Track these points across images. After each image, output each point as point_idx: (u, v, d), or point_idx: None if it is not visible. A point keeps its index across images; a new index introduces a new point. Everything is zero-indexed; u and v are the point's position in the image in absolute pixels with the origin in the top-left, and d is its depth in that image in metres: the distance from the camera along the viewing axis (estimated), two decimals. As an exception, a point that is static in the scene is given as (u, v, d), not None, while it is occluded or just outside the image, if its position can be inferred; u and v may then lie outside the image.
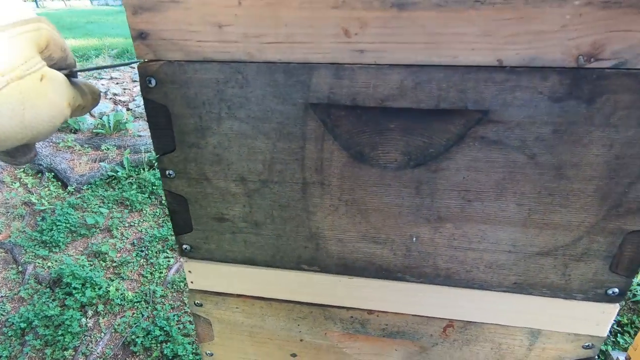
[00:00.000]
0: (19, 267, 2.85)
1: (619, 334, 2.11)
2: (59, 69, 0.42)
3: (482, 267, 0.49)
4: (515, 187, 0.44)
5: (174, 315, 2.45)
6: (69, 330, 2.41)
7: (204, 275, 0.58)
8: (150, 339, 2.30)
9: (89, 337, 2.39)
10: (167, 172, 0.50)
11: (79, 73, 0.46)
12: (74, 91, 0.43)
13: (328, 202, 0.49)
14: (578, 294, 0.49)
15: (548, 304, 0.50)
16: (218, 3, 0.39)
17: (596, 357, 0.53)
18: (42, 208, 3.19)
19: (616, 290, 0.47)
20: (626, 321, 2.15)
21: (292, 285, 0.56)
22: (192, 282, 0.59)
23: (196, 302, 0.59)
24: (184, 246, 0.56)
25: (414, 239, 0.49)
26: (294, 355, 0.62)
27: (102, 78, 4.22)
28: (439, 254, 0.50)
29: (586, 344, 0.52)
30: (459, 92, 0.40)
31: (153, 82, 0.45)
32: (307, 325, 0.58)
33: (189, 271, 0.58)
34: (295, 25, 0.39)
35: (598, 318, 0.50)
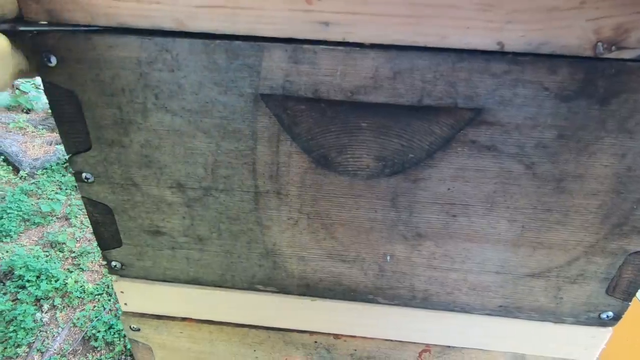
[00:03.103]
0: (-35, 259, 2.62)
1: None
2: None
3: (465, 289, 0.43)
4: (508, 201, 0.37)
5: (139, 308, 2.33)
6: (22, 326, 2.24)
7: (140, 296, 0.48)
8: (112, 332, 2.18)
9: (45, 333, 2.24)
10: (83, 175, 0.40)
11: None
12: (18, 57, 0.31)
13: (286, 215, 0.40)
14: (569, 317, 0.43)
15: (535, 328, 0.44)
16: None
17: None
18: (-9, 195, 2.92)
19: (610, 314, 0.42)
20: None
21: (246, 307, 0.47)
22: (125, 304, 0.49)
23: (132, 326, 0.50)
24: (113, 263, 0.46)
25: (388, 257, 0.42)
26: (250, 380, 0.54)
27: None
28: (416, 274, 0.42)
29: (572, 369, 0.47)
30: (448, 85, 0.31)
31: (53, 60, 0.34)
32: (264, 351, 0.50)
33: (121, 291, 0.48)
34: (237, -12, 0.29)
35: (587, 343, 0.45)
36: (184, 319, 0.49)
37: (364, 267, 0.43)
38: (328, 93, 0.33)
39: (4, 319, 2.19)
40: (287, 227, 0.41)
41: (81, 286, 2.43)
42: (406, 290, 0.44)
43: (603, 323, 0.43)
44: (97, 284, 2.50)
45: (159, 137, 0.37)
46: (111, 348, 2.18)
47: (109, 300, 2.43)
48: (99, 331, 2.31)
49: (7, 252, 2.60)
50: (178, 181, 0.39)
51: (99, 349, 2.17)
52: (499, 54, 0.30)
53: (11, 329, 2.20)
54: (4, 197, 2.95)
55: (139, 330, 0.50)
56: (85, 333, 2.23)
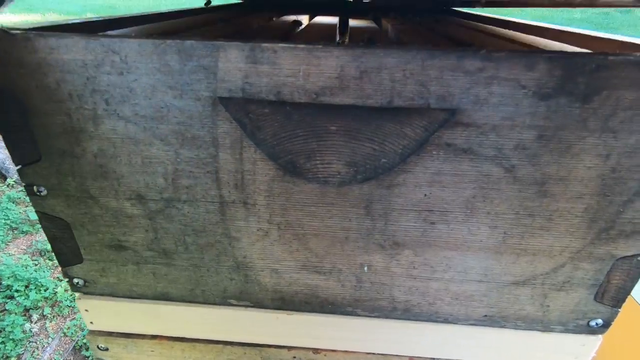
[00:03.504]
0: (-50, 270, 2.56)
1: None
2: None
3: (448, 299, 0.40)
4: (488, 206, 0.34)
5: (130, 316, 2.29)
6: (11, 337, 2.19)
7: (106, 314, 0.45)
8: (104, 342, 2.13)
9: (34, 343, 2.19)
10: (35, 188, 0.37)
11: None
12: None
13: (255, 226, 0.38)
14: (557, 325, 0.41)
15: (522, 338, 0.42)
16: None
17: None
18: (-23, 203, 2.86)
19: (600, 321, 0.40)
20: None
21: (220, 323, 0.45)
22: (91, 323, 0.46)
23: (100, 346, 0.47)
24: (75, 280, 0.43)
25: (366, 268, 0.39)
26: (229, 397, 0.52)
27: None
28: (396, 284, 0.40)
29: (562, 378, 0.45)
30: (419, 84, 0.29)
31: (-9, 64, 0.31)
32: (241, 367, 0.48)
33: (86, 310, 0.45)
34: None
35: (577, 351, 0.43)
36: (154, 337, 0.47)
37: (340, 279, 0.40)
38: (292, 95, 0.30)
39: (-9, 331, 2.14)
40: (257, 238, 0.38)
41: (71, 295, 2.39)
42: (386, 302, 0.41)
43: (592, 331, 0.41)
44: (88, 293, 2.45)
45: (114, 145, 0.34)
46: (102, 358, 2.13)
47: (100, 308, 2.38)
48: (89, 340, 2.25)
49: (-6, 262, 2.55)
50: (137, 192, 0.37)
51: (90, 358, 2.13)
52: (472, 50, 0.28)
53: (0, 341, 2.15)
54: (-10, 206, 2.89)
55: (107, 349, 0.47)
56: (77, 342, 2.19)
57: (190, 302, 0.44)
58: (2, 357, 2.07)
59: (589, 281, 0.38)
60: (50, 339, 2.21)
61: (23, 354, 2.11)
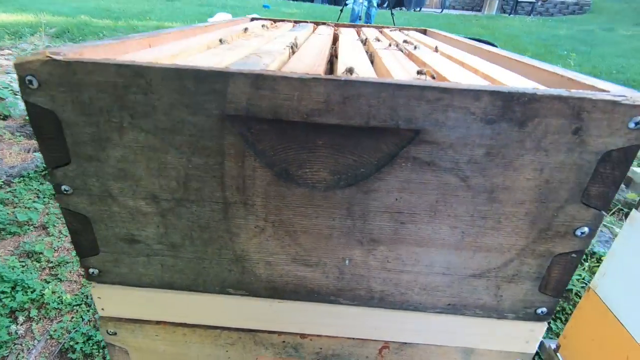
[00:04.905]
0: None
1: (551, 321, 2.28)
2: None
3: (417, 289, 0.47)
4: (448, 209, 0.41)
5: (118, 319, 2.30)
6: (-4, 339, 2.18)
7: (116, 301, 0.51)
8: (91, 344, 2.14)
9: (20, 346, 2.17)
10: (62, 187, 0.43)
11: None
12: None
13: (253, 224, 0.44)
14: (509, 313, 0.48)
15: (481, 324, 0.49)
16: None
17: None
18: (-36, 203, 2.84)
19: (544, 309, 0.47)
20: (558, 308, 2.32)
21: (218, 310, 0.50)
22: (102, 309, 0.51)
23: (109, 330, 0.52)
24: (91, 270, 0.49)
25: (347, 261, 0.46)
26: (224, 381, 0.57)
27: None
28: (372, 276, 0.47)
29: (516, 361, 0.52)
30: (390, 109, 0.36)
31: (35, 83, 0.37)
32: (236, 351, 0.54)
33: (99, 297, 0.51)
34: None
35: (527, 336, 0.50)
36: (158, 322, 0.52)
37: (325, 271, 0.47)
38: (287, 115, 0.37)
39: (-24, 332, 2.13)
40: (254, 234, 0.45)
41: (59, 297, 2.38)
42: (364, 292, 0.48)
43: (539, 318, 0.48)
44: (76, 295, 2.45)
45: (134, 152, 0.40)
46: (90, 360, 2.14)
47: (88, 311, 2.39)
48: (77, 342, 2.27)
49: (-20, 263, 2.53)
50: (152, 193, 0.43)
51: (76, 360, 2.13)
52: (433, 83, 0.35)
53: (-16, 343, 2.13)
54: (-23, 206, 2.87)
55: (115, 334, 0.53)
56: (63, 345, 2.19)
57: (192, 290, 0.49)
58: (-14, 358, 2.06)
59: (533, 274, 0.45)
60: (36, 341, 2.20)
61: (8, 356, 2.10)
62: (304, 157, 0.40)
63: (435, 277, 0.46)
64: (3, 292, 2.42)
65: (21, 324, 2.40)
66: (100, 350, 2.26)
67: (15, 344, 2.30)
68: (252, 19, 1.11)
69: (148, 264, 0.48)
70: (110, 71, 0.36)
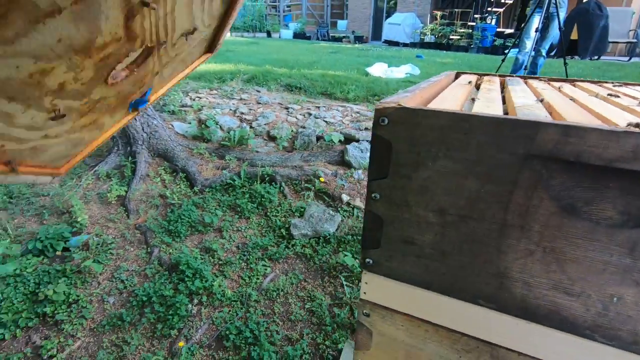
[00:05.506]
0: (148, 248, 3.37)
1: None
2: None
3: (697, 346, 0.46)
4: None
5: (263, 321, 2.61)
6: (178, 312, 2.73)
7: (378, 289, 0.65)
8: (241, 338, 2.48)
9: (191, 323, 2.68)
10: (373, 194, 0.60)
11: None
12: None
13: (524, 246, 0.52)
14: None
15: None
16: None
17: None
18: (172, 202, 3.77)
19: None
20: None
21: (465, 317, 0.59)
22: (365, 293, 0.66)
23: (364, 312, 0.66)
24: (367, 260, 0.64)
25: (615, 299, 0.49)
26: (444, 386, 0.64)
27: (232, 98, 4.98)
28: (642, 320, 0.48)
29: None
30: None
31: (385, 121, 0.55)
32: (469, 359, 0.60)
33: (366, 282, 0.65)
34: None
35: None
36: (406, 315, 0.64)
37: (587, 303, 0.50)
38: (588, 159, 0.45)
39: (166, 302, 2.73)
40: (522, 255, 0.52)
41: (222, 290, 2.87)
42: (627, 334, 0.49)
43: None
44: (234, 292, 2.91)
45: (439, 175, 0.54)
46: (238, 352, 2.47)
47: (241, 309, 2.79)
48: (231, 333, 2.64)
49: (176, 249, 3.27)
50: (441, 207, 0.55)
51: (228, 349, 2.49)
52: None
53: (170, 312, 2.70)
54: (180, 206, 3.78)
55: (368, 315, 0.66)
56: (220, 332, 2.60)
57: (445, 294, 0.60)
58: (169, 327, 2.60)
59: None
60: (202, 322, 2.68)
61: (183, 328, 2.61)
62: (592, 195, 0.46)
63: None
64: (187, 277, 3.02)
65: (195, 305, 2.93)
66: (247, 346, 2.57)
67: (188, 321, 2.82)
68: (457, 74, 1.25)
69: (416, 264, 0.60)
70: (442, 116, 0.51)
